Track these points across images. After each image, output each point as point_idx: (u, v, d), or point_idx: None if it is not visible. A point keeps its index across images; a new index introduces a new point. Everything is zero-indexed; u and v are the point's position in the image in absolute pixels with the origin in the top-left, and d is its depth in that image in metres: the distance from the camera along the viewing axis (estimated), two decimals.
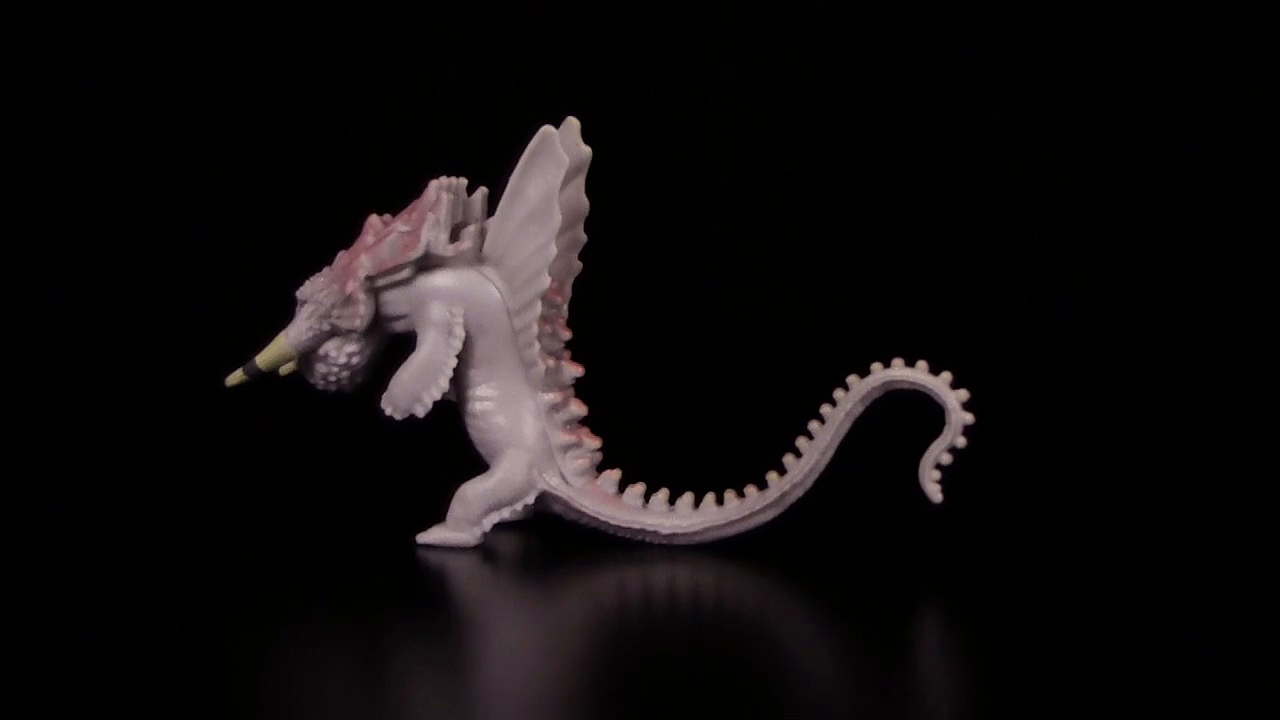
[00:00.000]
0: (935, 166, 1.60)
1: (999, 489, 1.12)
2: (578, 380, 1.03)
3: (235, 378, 1.04)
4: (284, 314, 1.04)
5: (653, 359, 1.01)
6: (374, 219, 1.03)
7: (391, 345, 1.04)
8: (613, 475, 1.02)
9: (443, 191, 1.01)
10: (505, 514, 1.02)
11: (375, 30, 1.65)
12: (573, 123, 1.01)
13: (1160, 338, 1.53)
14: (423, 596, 0.98)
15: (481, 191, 1.03)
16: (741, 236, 1.60)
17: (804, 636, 0.93)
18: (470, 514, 1.01)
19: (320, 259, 1.05)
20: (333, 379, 1.03)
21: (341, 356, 1.02)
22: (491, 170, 1.03)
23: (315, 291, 1.02)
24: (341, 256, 1.03)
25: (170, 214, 1.64)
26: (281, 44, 1.64)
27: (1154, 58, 1.55)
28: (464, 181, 1.03)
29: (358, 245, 1.02)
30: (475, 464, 1.04)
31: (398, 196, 1.05)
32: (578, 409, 1.02)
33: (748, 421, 1.29)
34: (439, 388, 1.00)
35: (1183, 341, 1.52)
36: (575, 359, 1.04)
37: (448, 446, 1.07)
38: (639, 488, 1.02)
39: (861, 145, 1.62)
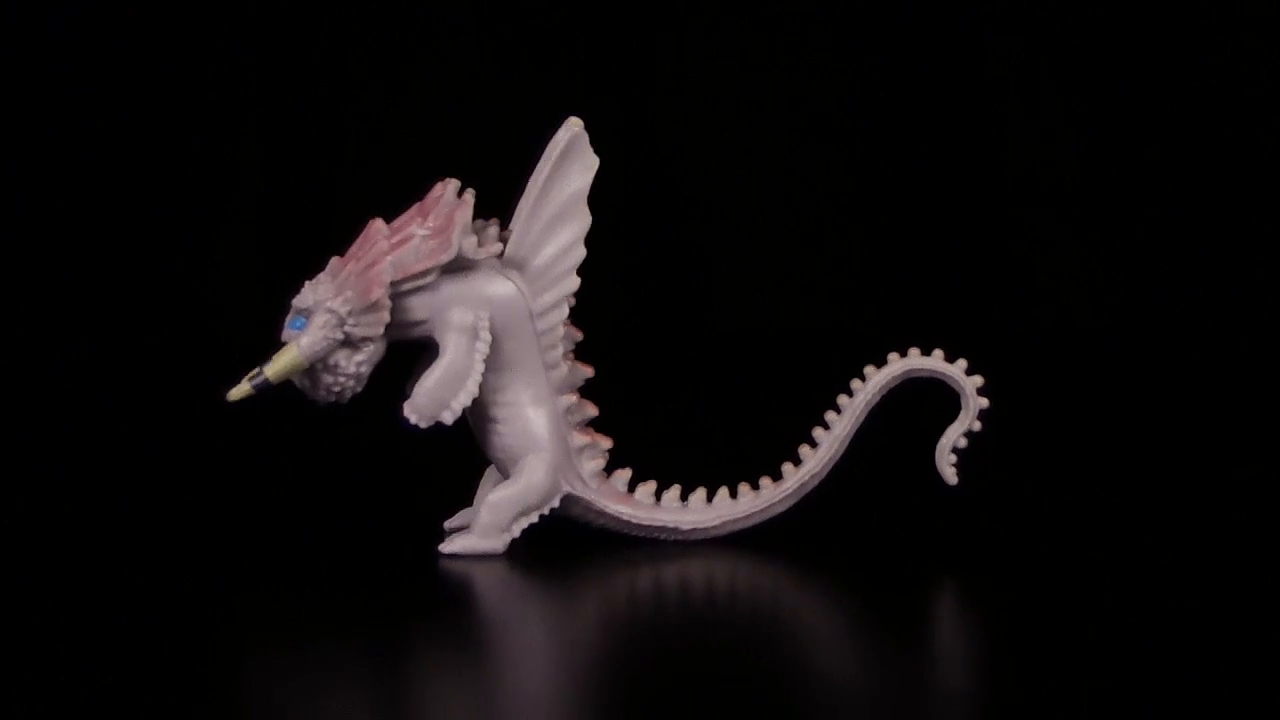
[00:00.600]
0: (937, 166, 1.62)
1: (1007, 474, 1.16)
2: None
3: (241, 391, 0.99)
4: (279, 316, 1.01)
5: (646, 358, 1.02)
6: (380, 223, 1.00)
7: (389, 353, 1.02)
8: (624, 475, 1.03)
9: (467, 193, 1.00)
10: (533, 519, 1.01)
11: (372, 32, 1.60)
12: (575, 124, 1.02)
13: (1161, 329, 1.57)
14: (453, 606, 0.96)
15: (470, 193, 1.02)
16: (740, 236, 1.60)
17: (828, 623, 0.96)
18: (500, 521, 1.00)
19: (317, 263, 1.01)
20: (337, 389, 1.00)
21: (351, 366, 0.99)
22: (487, 171, 1.02)
23: (325, 299, 0.98)
24: (337, 263, 1.00)
25: (168, 216, 1.58)
26: (280, 46, 1.60)
27: (1156, 55, 1.58)
28: (457, 183, 1.01)
29: (369, 250, 0.99)
30: (475, 468, 1.03)
31: (390, 198, 1.03)
32: (590, 410, 1.03)
33: (744, 419, 1.31)
34: (468, 394, 0.99)
35: (1184, 332, 1.56)
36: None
37: (440, 452, 1.05)
38: (650, 486, 1.03)
39: (863, 144, 1.62)
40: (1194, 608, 0.91)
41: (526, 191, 1.01)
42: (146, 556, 1.02)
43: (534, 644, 0.93)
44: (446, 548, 1.01)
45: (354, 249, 1.00)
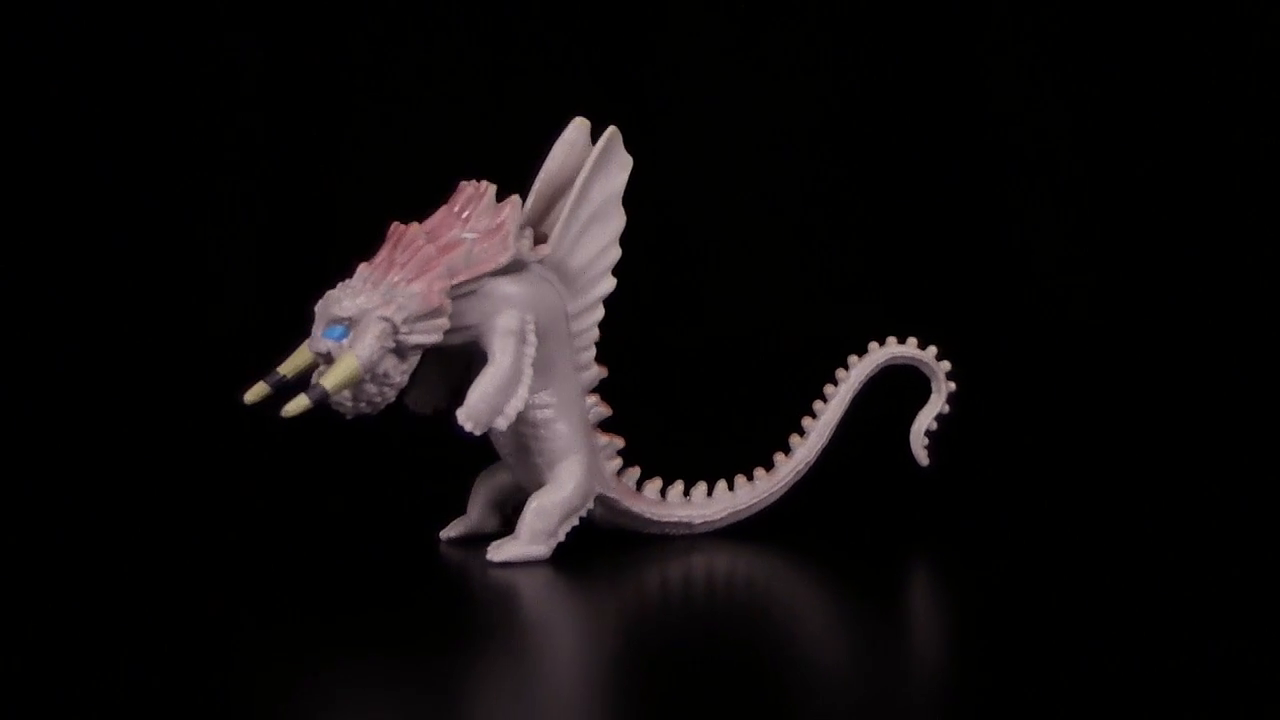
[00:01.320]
0: (934, 166, 1.59)
1: (998, 460, 1.21)
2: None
3: (298, 405, 0.94)
4: (280, 316, 0.97)
5: (630, 356, 1.01)
6: (416, 227, 0.97)
7: None
8: (633, 473, 1.04)
9: (513, 195, 0.98)
10: (574, 522, 1.00)
11: (370, 33, 1.52)
12: (582, 123, 1.01)
13: (1156, 324, 1.57)
14: (499, 613, 0.95)
15: (515, 196, 1.00)
16: (728, 233, 1.57)
17: (830, 608, 0.99)
18: (549, 526, 0.99)
19: (316, 263, 0.98)
20: (379, 399, 0.96)
21: (397, 375, 0.96)
22: (482, 170, 1.00)
23: (374, 307, 0.95)
24: (372, 269, 0.96)
25: (170, 218, 1.52)
26: (280, 47, 1.55)
27: (1155, 47, 1.58)
28: (493, 185, 1.00)
29: (413, 255, 0.96)
30: (460, 476, 1.03)
31: (387, 198, 1.00)
32: (605, 410, 1.03)
33: (726, 414, 1.29)
34: (520, 399, 0.97)
35: (1171, 323, 1.57)
36: None
37: (427, 457, 1.06)
38: (656, 483, 1.04)
39: (860, 143, 1.59)
40: (1172, 590, 0.95)
41: (537, 190, 1.00)
42: (158, 580, 0.97)
43: (581, 645, 0.93)
44: (495, 556, 0.99)
45: (388, 254, 0.96)
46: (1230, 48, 1.59)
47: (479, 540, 1.02)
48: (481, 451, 1.03)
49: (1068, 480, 1.18)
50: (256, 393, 0.96)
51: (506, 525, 1.03)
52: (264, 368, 0.97)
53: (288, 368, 0.97)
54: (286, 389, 0.97)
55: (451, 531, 1.03)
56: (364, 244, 1.00)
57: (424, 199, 1.00)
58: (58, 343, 1.52)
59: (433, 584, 0.99)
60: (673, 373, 1.46)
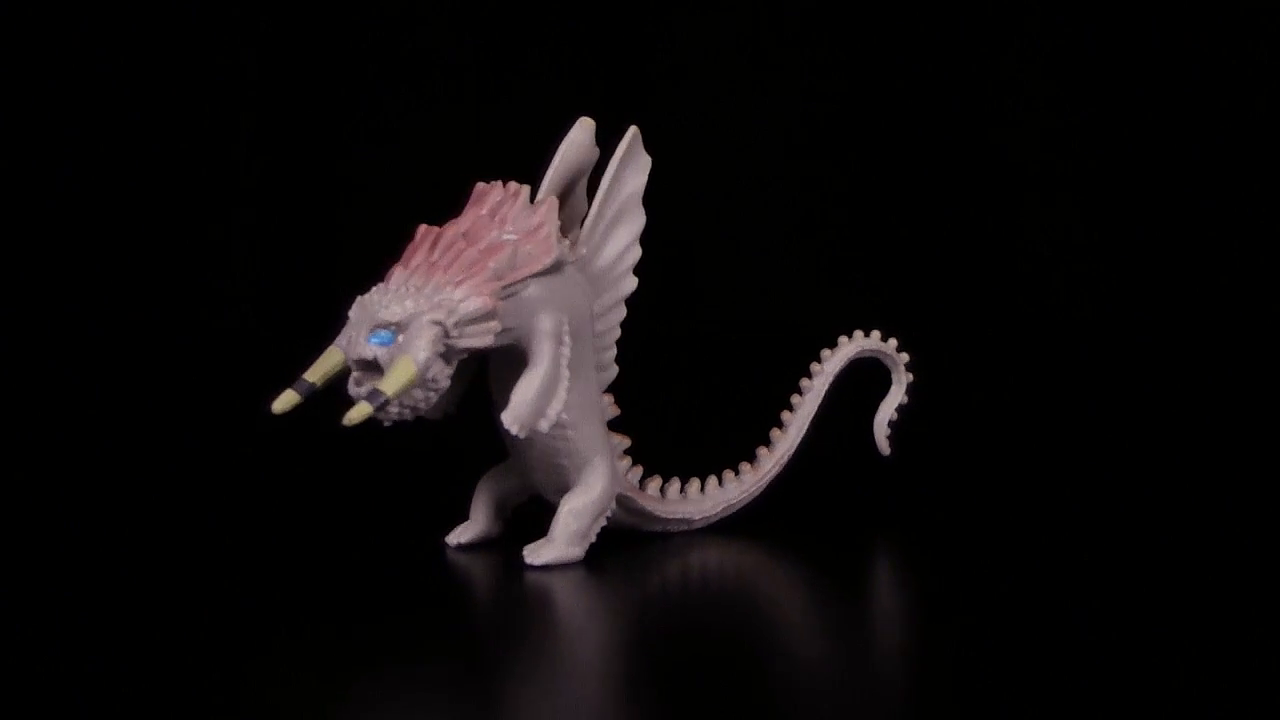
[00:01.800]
0: (929, 164, 1.56)
1: (965, 451, 1.24)
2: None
3: (360, 413, 0.92)
4: (285, 319, 0.95)
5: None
6: (449, 229, 0.96)
7: None
8: (636, 472, 1.04)
9: (550, 196, 0.98)
10: (603, 522, 1.00)
11: (368, 34, 1.46)
12: (587, 123, 1.02)
13: (1132, 318, 1.56)
14: (524, 615, 0.95)
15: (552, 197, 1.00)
16: (715, 235, 1.52)
17: (818, 597, 1.02)
18: (583, 527, 0.99)
19: (320, 264, 0.96)
20: (421, 405, 0.95)
21: (442, 379, 0.95)
22: (487, 171, 1.00)
23: (422, 311, 0.93)
24: (409, 274, 0.95)
25: (170, 217, 1.47)
26: (281, 46, 1.50)
27: (1153, 45, 1.56)
28: (524, 187, 0.99)
29: (455, 258, 0.94)
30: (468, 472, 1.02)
31: (395, 200, 0.99)
32: (615, 410, 1.03)
33: (704, 411, 1.28)
34: (560, 400, 0.97)
35: (1151, 319, 1.56)
36: None
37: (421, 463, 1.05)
38: (656, 481, 1.05)
39: (855, 142, 1.56)
40: (1136, 575, 0.97)
41: (546, 190, 1.00)
42: (184, 593, 0.95)
43: (611, 644, 0.93)
44: (534, 559, 0.98)
45: (425, 257, 0.95)
46: (1230, 48, 1.61)
47: (485, 545, 1.02)
48: (481, 455, 1.02)
49: (1044, 472, 1.21)
50: (286, 401, 0.93)
51: (509, 529, 1.02)
52: (264, 371, 0.95)
53: (316, 375, 0.94)
54: (314, 397, 0.94)
55: (460, 537, 1.02)
56: (364, 245, 0.98)
57: (424, 198, 1.00)
58: (58, 345, 1.49)
59: (451, 588, 0.98)
60: (652, 370, 1.46)
